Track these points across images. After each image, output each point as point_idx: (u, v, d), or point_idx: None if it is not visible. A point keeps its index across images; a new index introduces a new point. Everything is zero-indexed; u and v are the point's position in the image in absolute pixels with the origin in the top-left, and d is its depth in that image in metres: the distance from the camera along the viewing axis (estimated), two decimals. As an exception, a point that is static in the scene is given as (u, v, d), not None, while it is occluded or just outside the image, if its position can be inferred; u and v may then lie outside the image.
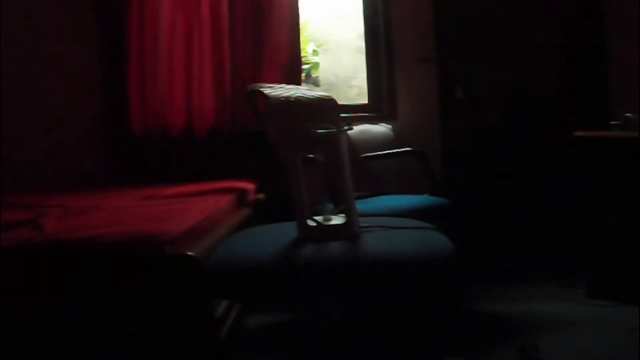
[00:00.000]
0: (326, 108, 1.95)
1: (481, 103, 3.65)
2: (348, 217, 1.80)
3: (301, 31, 3.51)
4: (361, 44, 3.85)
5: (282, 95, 1.81)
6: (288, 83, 3.11)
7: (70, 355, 1.85)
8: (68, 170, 3.38)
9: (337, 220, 1.83)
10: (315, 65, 4.17)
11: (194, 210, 2.27)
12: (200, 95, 3.33)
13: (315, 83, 4.16)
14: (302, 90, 2.03)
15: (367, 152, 3.33)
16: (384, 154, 3.35)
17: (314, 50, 4.16)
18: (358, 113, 3.67)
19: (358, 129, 3.45)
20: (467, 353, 2.42)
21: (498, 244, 3.45)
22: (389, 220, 2.02)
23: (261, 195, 3.06)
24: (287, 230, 1.87)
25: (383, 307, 2.73)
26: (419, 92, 3.64)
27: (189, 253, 1.82)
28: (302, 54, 3.58)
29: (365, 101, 3.79)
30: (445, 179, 3.51)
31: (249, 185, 2.96)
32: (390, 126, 3.58)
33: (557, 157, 3.52)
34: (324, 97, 2.10)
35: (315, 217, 1.82)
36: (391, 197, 3.06)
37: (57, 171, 3.38)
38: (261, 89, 1.82)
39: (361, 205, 2.39)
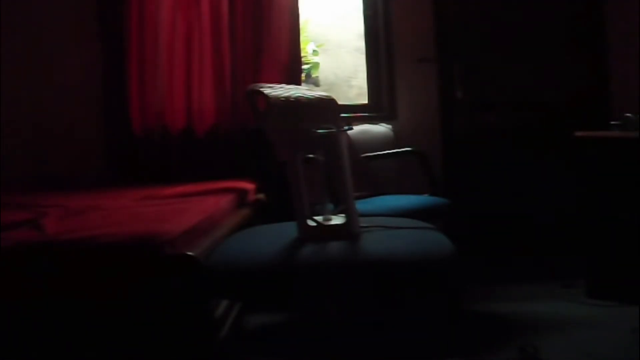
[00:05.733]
0: (326, 108, 1.95)
1: (481, 103, 3.66)
2: (348, 217, 1.80)
3: (301, 31, 3.51)
4: (361, 44, 3.85)
5: (282, 95, 1.81)
6: (288, 83, 3.11)
7: (70, 355, 1.84)
8: (68, 170, 3.38)
9: (337, 220, 1.83)
10: (315, 65, 4.16)
11: (194, 210, 2.27)
12: (200, 95, 3.33)
13: (315, 83, 4.16)
14: (302, 90, 2.03)
15: (367, 152, 3.33)
16: (384, 154, 3.35)
17: (314, 50, 4.16)
18: (358, 113, 3.67)
19: (358, 129, 3.45)
20: (467, 353, 2.42)
21: (498, 244, 3.45)
22: (389, 220, 2.02)
23: (261, 195, 3.06)
24: (287, 230, 1.87)
25: (383, 307, 2.73)
26: (419, 92, 3.64)
27: (189, 253, 1.82)
28: (302, 54, 3.58)
29: (365, 101, 3.79)
30: (445, 179, 3.51)
31: (249, 185, 2.96)
32: (390, 126, 3.58)
33: (557, 157, 3.52)
34: (324, 97, 2.09)
35: (315, 217, 1.82)
36: (391, 197, 3.06)
37: (57, 171, 3.38)
38: (261, 89, 1.82)
39: (361, 205, 2.39)
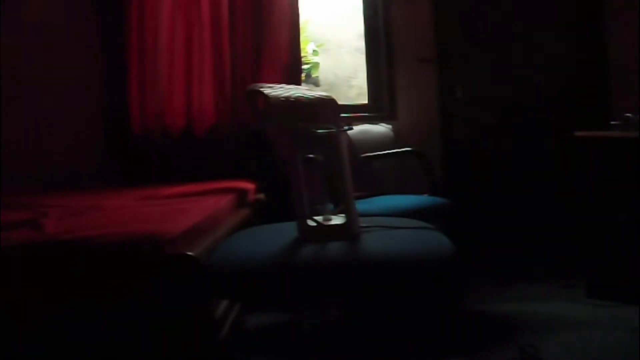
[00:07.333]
0: (326, 108, 1.95)
1: (481, 103, 3.65)
2: (348, 217, 1.80)
3: (301, 31, 3.51)
4: (361, 44, 3.85)
5: (282, 95, 1.81)
6: (288, 83, 3.11)
7: (70, 355, 1.84)
8: (68, 170, 3.38)
9: (337, 220, 1.84)
10: (315, 65, 4.16)
11: (194, 210, 2.27)
12: (200, 95, 3.33)
13: (315, 83, 4.16)
14: (302, 90, 2.03)
15: (367, 152, 3.33)
16: (384, 154, 3.35)
17: (314, 50, 4.16)
18: (358, 113, 3.67)
19: (358, 129, 3.45)
20: (467, 353, 2.42)
21: (498, 244, 3.45)
22: (389, 220, 2.02)
23: (261, 195, 3.06)
24: (287, 230, 1.87)
25: (383, 307, 2.74)
26: (419, 92, 3.64)
27: (189, 253, 1.82)
28: (302, 54, 3.58)
29: (365, 101, 3.79)
30: (445, 179, 3.51)
31: (249, 185, 2.96)
32: (390, 126, 3.58)
33: (557, 157, 3.52)
34: (324, 97, 2.09)
35: (315, 217, 1.82)
36: (391, 197, 3.06)
37: (57, 171, 3.38)
38: (261, 89, 1.83)
39: (361, 205, 2.39)
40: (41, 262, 1.83)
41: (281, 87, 1.95)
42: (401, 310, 2.75)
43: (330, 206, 1.94)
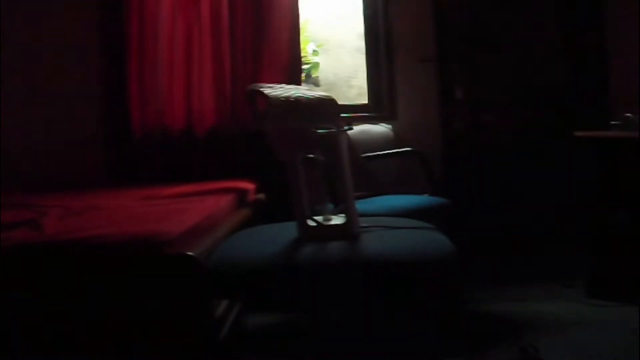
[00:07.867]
0: (326, 108, 1.95)
1: (481, 103, 3.65)
2: (348, 217, 1.80)
3: (301, 31, 3.51)
4: (361, 44, 3.85)
5: (282, 95, 1.82)
6: (288, 83, 3.11)
7: (70, 354, 1.84)
8: (68, 170, 3.38)
9: (337, 220, 1.84)
10: (315, 65, 4.16)
11: (194, 210, 2.27)
12: (200, 96, 3.33)
13: (315, 83, 4.16)
14: (302, 90, 2.03)
15: (367, 152, 3.33)
16: (384, 154, 3.35)
17: (314, 50, 4.16)
18: (358, 113, 3.66)
19: (358, 129, 3.45)
20: (467, 353, 2.42)
21: (498, 243, 3.45)
22: (389, 220, 2.02)
23: (261, 195, 3.06)
24: (287, 230, 1.87)
25: (383, 307, 2.73)
26: (419, 92, 3.64)
27: (189, 253, 1.82)
28: (302, 54, 3.57)
29: (365, 101, 3.79)
30: (445, 179, 3.51)
31: (249, 185, 2.96)
32: (390, 126, 3.58)
33: (557, 157, 3.52)
34: (324, 97, 2.10)
35: (315, 217, 1.82)
36: (391, 197, 3.06)
37: (57, 171, 3.38)
38: (261, 89, 1.83)
39: (361, 205, 2.39)
40: (41, 262, 1.83)
41: (281, 87, 1.95)
42: (401, 311, 2.75)
43: (330, 206, 1.94)
